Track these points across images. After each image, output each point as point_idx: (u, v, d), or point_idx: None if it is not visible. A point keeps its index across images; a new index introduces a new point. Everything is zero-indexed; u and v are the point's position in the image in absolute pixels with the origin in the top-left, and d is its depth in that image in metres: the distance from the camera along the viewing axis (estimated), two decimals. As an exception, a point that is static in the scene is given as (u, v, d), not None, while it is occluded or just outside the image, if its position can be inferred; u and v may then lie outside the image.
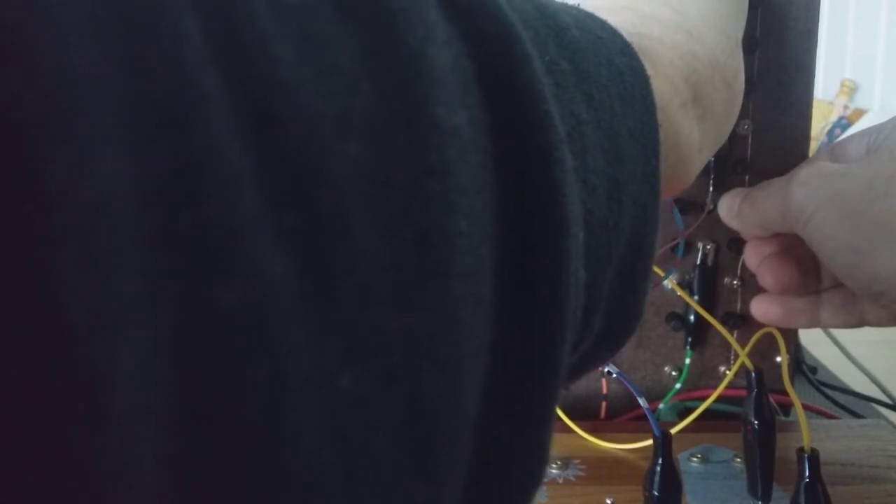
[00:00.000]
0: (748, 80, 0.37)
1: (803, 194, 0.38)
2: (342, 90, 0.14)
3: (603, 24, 0.25)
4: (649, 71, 0.25)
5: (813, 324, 0.45)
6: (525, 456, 0.19)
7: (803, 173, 0.40)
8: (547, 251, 0.18)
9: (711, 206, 0.51)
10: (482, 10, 0.17)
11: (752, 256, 0.46)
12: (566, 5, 0.24)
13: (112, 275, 0.11)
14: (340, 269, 0.14)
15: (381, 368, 0.14)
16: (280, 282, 0.13)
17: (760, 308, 0.46)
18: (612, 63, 0.23)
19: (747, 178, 0.51)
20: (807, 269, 0.45)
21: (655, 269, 0.50)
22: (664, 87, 0.28)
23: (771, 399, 0.42)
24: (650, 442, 0.40)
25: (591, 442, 0.49)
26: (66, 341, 0.10)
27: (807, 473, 0.37)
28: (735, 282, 0.53)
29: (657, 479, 0.39)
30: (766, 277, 0.45)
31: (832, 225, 0.37)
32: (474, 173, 0.16)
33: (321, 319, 0.13)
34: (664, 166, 0.26)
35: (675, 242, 0.51)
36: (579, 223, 0.19)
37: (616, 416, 0.53)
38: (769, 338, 0.42)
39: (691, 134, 0.30)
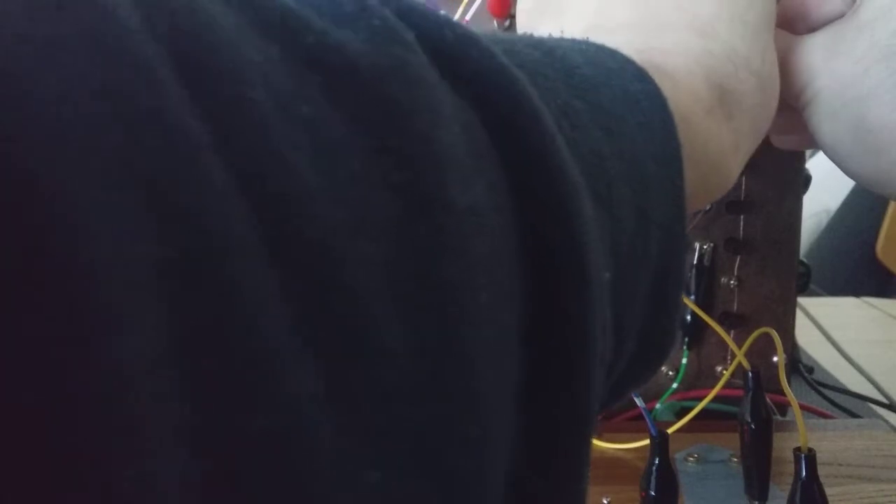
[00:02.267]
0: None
1: (801, 83, 0.37)
2: (357, 193, 0.14)
3: (613, 54, 0.25)
4: (668, 85, 0.25)
5: None
6: None
7: (804, 61, 0.37)
8: (569, 304, 0.18)
9: (708, 206, 0.51)
10: (485, 75, 0.18)
11: None
12: (575, 41, 0.24)
13: (152, 438, 0.11)
14: (362, 371, 0.14)
15: (410, 458, 0.14)
16: (305, 395, 0.13)
17: (779, 138, 0.44)
18: (627, 92, 0.23)
19: (744, 178, 0.51)
20: None
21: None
22: (685, 98, 0.27)
23: (768, 399, 0.42)
24: (647, 442, 0.40)
25: (587, 442, 0.49)
26: None
27: (803, 473, 0.37)
28: (732, 281, 0.53)
29: (654, 479, 0.39)
30: (773, 138, 0.43)
31: (816, 119, 0.36)
32: (494, 242, 0.16)
33: (346, 423, 0.13)
34: (696, 177, 0.25)
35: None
36: (603, 267, 0.19)
37: (613, 415, 0.53)
38: (766, 338, 0.42)
39: (721, 137, 0.29)
